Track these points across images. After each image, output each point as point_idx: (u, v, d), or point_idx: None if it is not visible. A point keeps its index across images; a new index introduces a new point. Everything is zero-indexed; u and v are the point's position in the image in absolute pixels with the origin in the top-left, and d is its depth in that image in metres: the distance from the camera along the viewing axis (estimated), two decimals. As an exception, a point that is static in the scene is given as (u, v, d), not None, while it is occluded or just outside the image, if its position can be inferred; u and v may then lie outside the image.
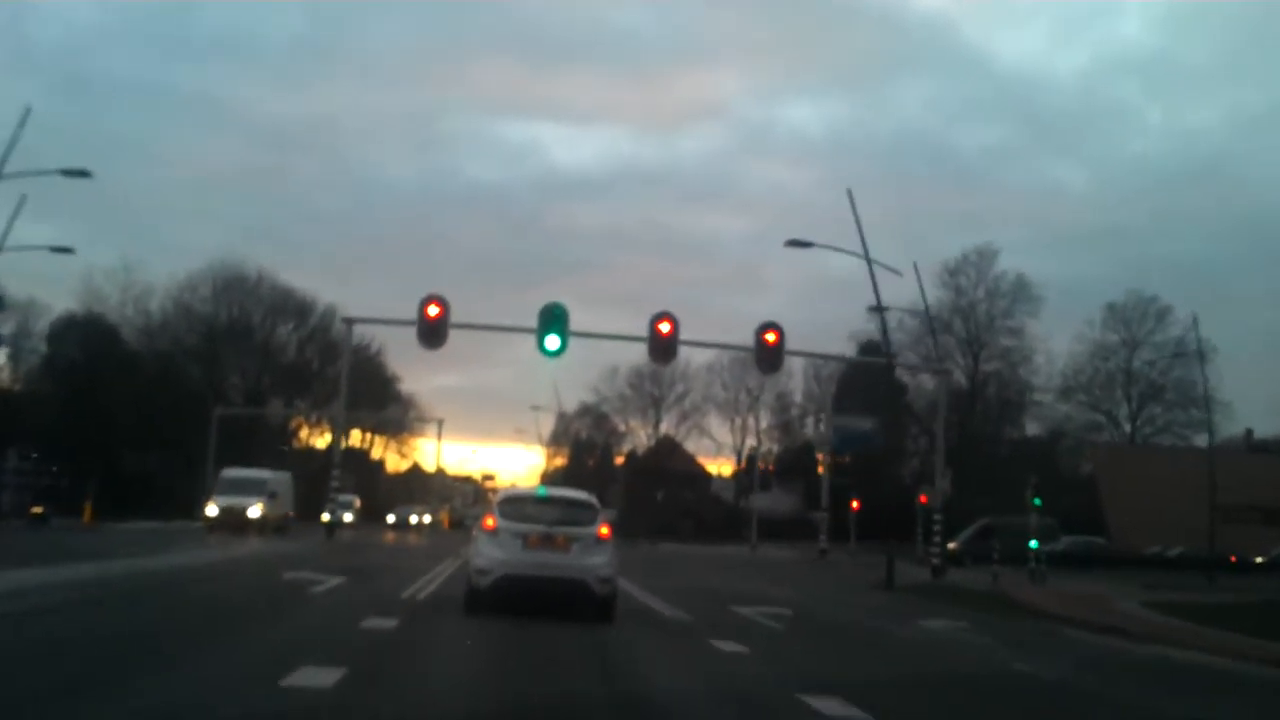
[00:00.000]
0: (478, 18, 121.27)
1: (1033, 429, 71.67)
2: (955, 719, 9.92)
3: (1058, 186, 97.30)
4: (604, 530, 14.86)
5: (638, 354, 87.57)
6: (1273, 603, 27.04)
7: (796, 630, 16.83)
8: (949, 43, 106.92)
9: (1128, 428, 70.97)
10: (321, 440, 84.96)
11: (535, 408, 79.55)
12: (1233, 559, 50.16)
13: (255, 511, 41.13)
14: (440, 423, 71.82)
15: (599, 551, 14.61)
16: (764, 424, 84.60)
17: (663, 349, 34.28)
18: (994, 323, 67.91)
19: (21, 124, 32.99)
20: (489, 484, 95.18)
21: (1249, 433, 69.10)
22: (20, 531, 37.24)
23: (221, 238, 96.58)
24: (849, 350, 79.41)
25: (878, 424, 54.88)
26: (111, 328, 68.51)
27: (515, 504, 15.63)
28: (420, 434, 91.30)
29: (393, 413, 66.01)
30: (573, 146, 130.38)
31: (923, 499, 48.25)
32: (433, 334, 33.81)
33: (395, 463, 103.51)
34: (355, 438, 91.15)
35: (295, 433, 77.39)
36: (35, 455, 60.98)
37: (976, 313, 67.74)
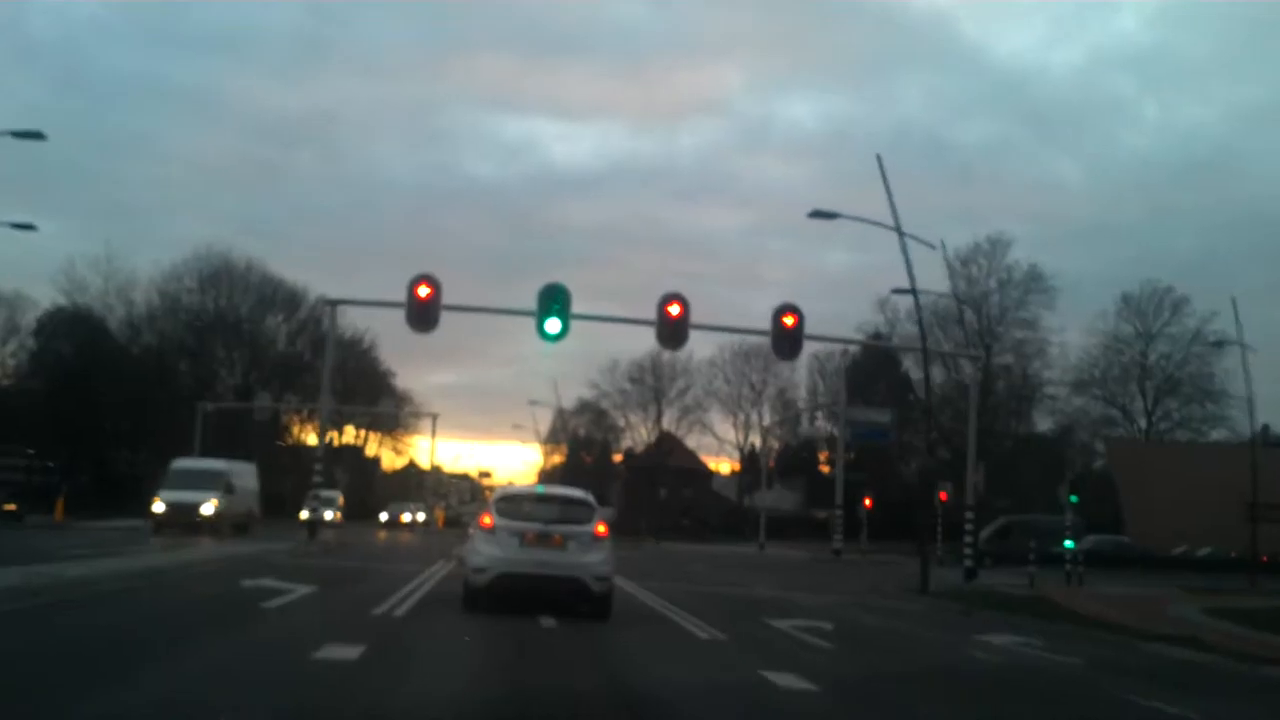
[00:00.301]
0: (476, 12, 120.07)
1: (1045, 424, 68.67)
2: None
3: (1055, 181, 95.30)
4: (601, 528, 14.66)
5: (639, 348, 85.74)
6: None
7: (850, 652, 13.82)
8: (947, 38, 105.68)
9: (1143, 423, 67.98)
10: (314, 436, 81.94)
11: (533, 402, 76.70)
12: (1264, 559, 47.32)
13: (208, 508, 34.72)
14: (435, 418, 68.91)
15: (596, 549, 14.42)
16: (767, 420, 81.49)
17: (672, 333, 31.21)
18: (1006, 315, 64.86)
19: None
20: (485, 481, 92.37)
21: (1265, 428, 66.28)
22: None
23: (219, 232, 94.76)
24: (854, 346, 76.97)
25: (893, 417, 51.93)
26: (100, 322, 65.65)
27: (512, 502, 15.39)
28: (416, 431, 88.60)
29: (385, 407, 62.50)
30: (570, 142, 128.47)
31: (942, 496, 45.25)
32: (423, 317, 30.72)
33: (391, 461, 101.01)
34: (349, 434, 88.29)
35: (286, 428, 74.17)
36: (32, 452, 58.43)
37: (988, 304, 64.72)
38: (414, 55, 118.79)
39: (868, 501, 51.97)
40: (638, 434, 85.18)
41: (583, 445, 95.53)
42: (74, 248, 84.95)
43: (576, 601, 14.38)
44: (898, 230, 27.23)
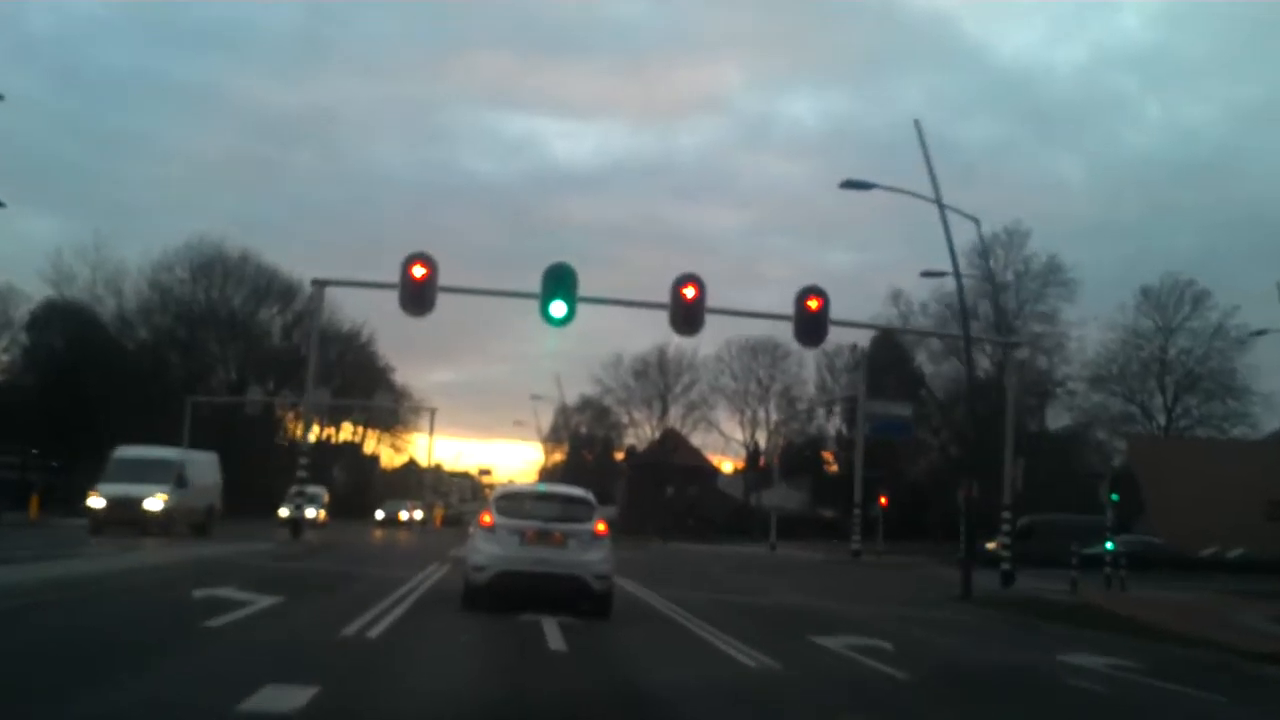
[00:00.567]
0: (476, 10, 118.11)
1: (1062, 420, 65.78)
2: None
3: (1057, 180, 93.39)
4: (601, 527, 14.48)
5: (642, 343, 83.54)
6: None
7: (931, 686, 11.09)
8: (948, 37, 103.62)
9: (1162, 419, 65.14)
10: (311, 433, 79.19)
11: (535, 397, 73.86)
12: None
13: (154, 503, 29.52)
14: (433, 412, 65.71)
15: (596, 548, 14.24)
16: (775, 417, 78.72)
17: (686, 317, 28.44)
18: (1024, 307, 61.91)
19: None
20: (485, 479, 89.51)
21: (1286, 425, 63.69)
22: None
23: (217, 228, 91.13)
24: (864, 341, 74.17)
25: (915, 410, 49.13)
26: (93, 316, 62.96)
27: (512, 500, 15.15)
28: (415, 428, 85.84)
29: (381, 400, 59.35)
30: (571, 139, 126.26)
31: (965, 493, 42.40)
32: (418, 298, 27.95)
33: (390, 459, 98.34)
34: (346, 431, 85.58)
35: (281, 424, 71.34)
36: (36, 451, 55.87)
37: (1005, 296, 61.62)
38: (414, 53, 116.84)
39: (883, 500, 49.14)
40: (642, 431, 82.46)
41: (584, 443, 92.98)
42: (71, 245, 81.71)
43: (577, 600, 14.07)
44: (937, 202, 24.54)
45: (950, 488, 67.79)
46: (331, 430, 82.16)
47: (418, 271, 27.96)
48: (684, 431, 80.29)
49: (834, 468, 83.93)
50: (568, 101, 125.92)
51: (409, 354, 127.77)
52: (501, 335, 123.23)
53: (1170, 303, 63.81)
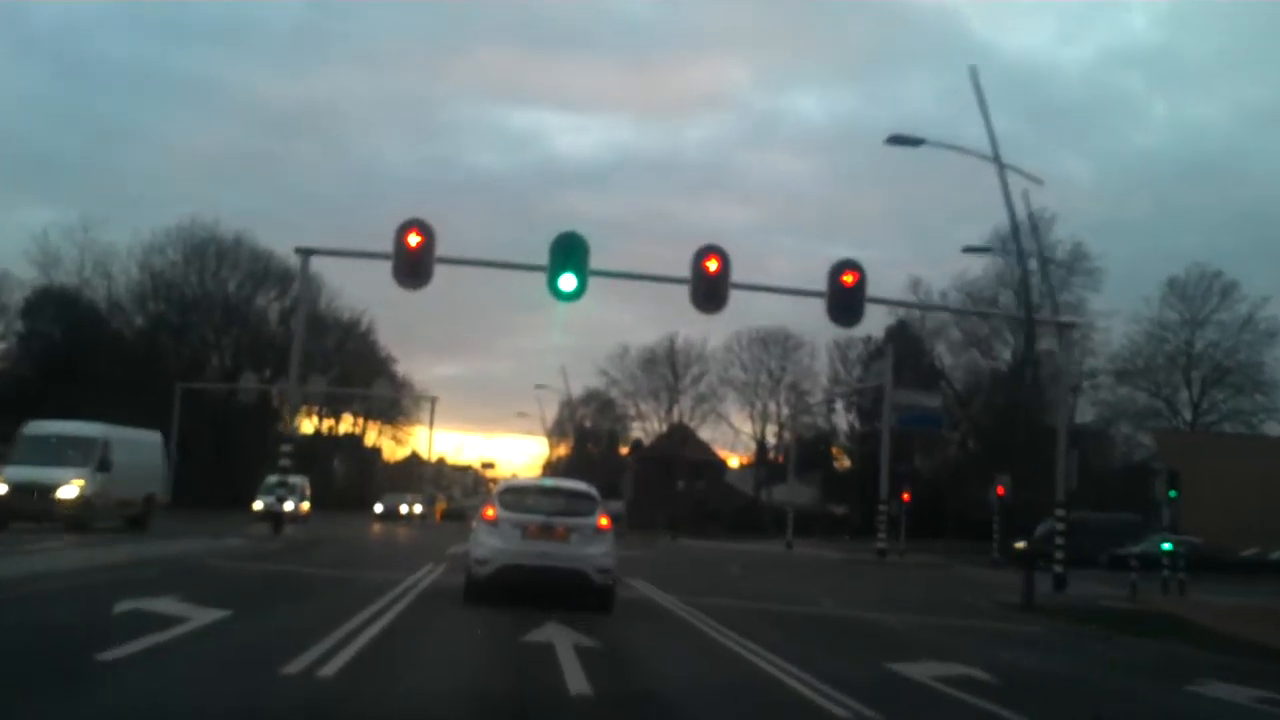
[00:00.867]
0: (480, 4, 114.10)
1: (1085, 415, 62.42)
2: None
3: (1063, 178, 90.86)
4: (603, 521, 14.25)
5: (649, 337, 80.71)
6: None
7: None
8: (955, 35, 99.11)
9: (1188, 414, 61.91)
10: (308, 423, 76.17)
11: (539, 386, 70.82)
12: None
13: (69, 490, 24.35)
14: (434, 402, 62.40)
15: (598, 542, 14.04)
16: (786, 410, 75.59)
17: (708, 292, 25.50)
18: (1046, 297, 58.55)
19: None
20: (489, 473, 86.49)
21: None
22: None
23: (209, 211, 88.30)
24: (878, 330, 71.08)
25: (943, 402, 46.06)
26: (89, 303, 60.04)
27: (515, 494, 14.95)
28: (417, 421, 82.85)
29: (380, 389, 55.93)
30: (576, 135, 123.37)
31: (999, 490, 39.49)
32: (414, 269, 25.08)
33: (392, 451, 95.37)
34: (347, 423, 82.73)
35: (278, 413, 68.23)
36: None
37: (1028, 286, 58.26)
38: (417, 47, 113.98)
39: (905, 496, 46.07)
40: (649, 424, 79.36)
41: (589, 436, 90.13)
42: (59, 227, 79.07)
43: (579, 594, 13.77)
44: (996, 160, 21.46)
45: (970, 483, 65.14)
46: (331, 422, 79.25)
47: (412, 240, 25.17)
48: (692, 425, 77.22)
49: (846, 463, 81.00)
50: (572, 97, 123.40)
51: (412, 347, 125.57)
52: (505, 331, 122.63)
53: (1198, 294, 60.62)
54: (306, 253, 25.89)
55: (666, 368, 74.91)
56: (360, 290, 75.07)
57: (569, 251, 25.22)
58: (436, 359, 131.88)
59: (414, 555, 23.71)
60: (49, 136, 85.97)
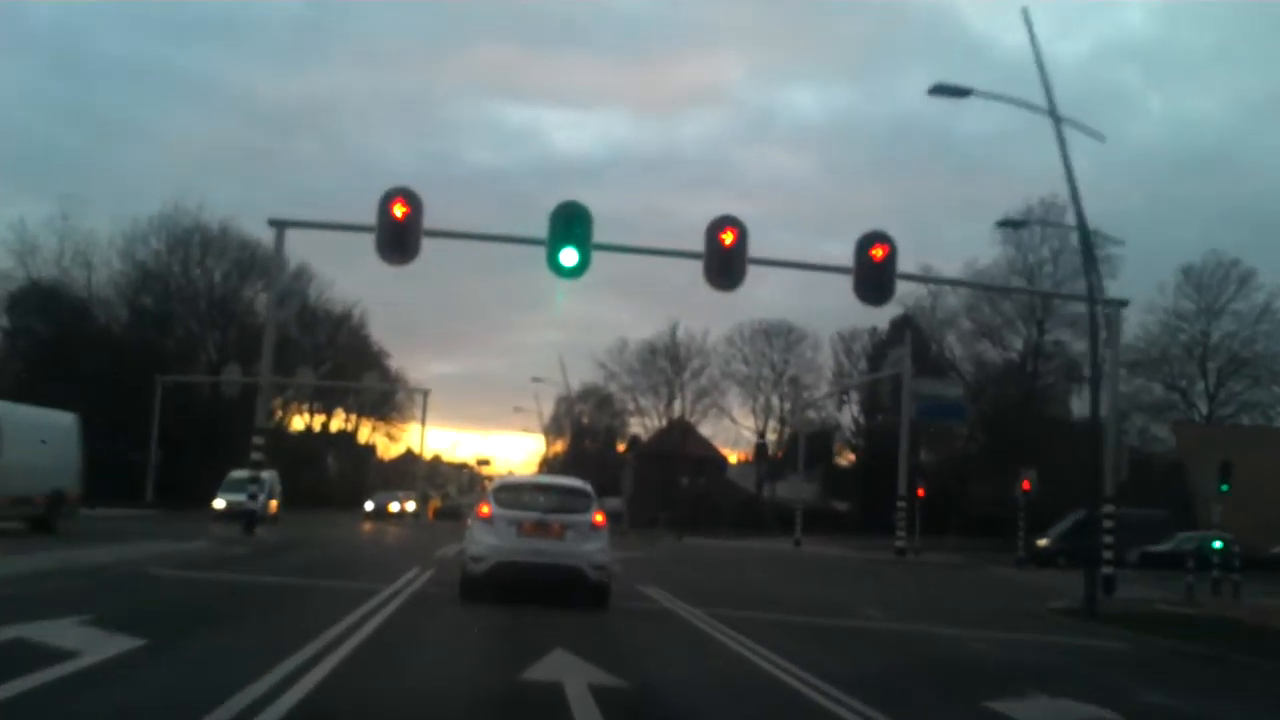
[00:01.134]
0: (478, 1, 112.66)
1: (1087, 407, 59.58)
2: None
3: (1059, 173, 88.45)
4: (599, 517, 13.92)
5: (649, 328, 78.01)
6: None
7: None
8: (951, 29, 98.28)
9: (1204, 407, 59.34)
10: (299, 420, 73.42)
11: (536, 379, 68.06)
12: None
13: None
14: (425, 395, 59.22)
15: (594, 538, 13.70)
16: (789, 404, 72.93)
17: (723, 266, 22.94)
18: (1061, 286, 55.88)
19: None
20: (484, 470, 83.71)
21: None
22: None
23: (193, 195, 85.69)
24: (881, 324, 68.46)
25: (966, 391, 43.40)
26: (78, 299, 57.16)
27: (510, 491, 14.60)
28: (412, 417, 79.89)
29: (371, 381, 52.88)
30: (573, 130, 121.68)
31: (1025, 485, 36.88)
32: (399, 242, 22.50)
33: (387, 449, 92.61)
34: (340, 419, 79.93)
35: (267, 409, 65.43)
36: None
37: (1040, 275, 55.81)
38: (415, 43, 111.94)
39: (920, 491, 43.37)
40: (649, 420, 76.59)
41: (587, 433, 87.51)
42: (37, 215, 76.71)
43: (574, 591, 13.55)
44: (1052, 114, 18.82)
45: (978, 478, 62.56)
46: (323, 418, 76.46)
47: (398, 210, 22.52)
48: (693, 420, 74.45)
49: (850, 457, 78.37)
50: (570, 93, 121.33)
51: (407, 345, 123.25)
52: (502, 328, 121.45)
53: (1214, 283, 58.01)
54: (281, 224, 23.19)
55: (666, 360, 72.18)
56: (356, 290, 73.14)
57: (570, 223, 22.62)
58: (432, 357, 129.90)
59: (398, 558, 21.01)
60: (46, 132, 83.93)
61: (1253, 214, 78.86)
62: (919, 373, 49.68)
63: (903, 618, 16.29)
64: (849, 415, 73.94)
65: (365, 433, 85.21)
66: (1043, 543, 39.26)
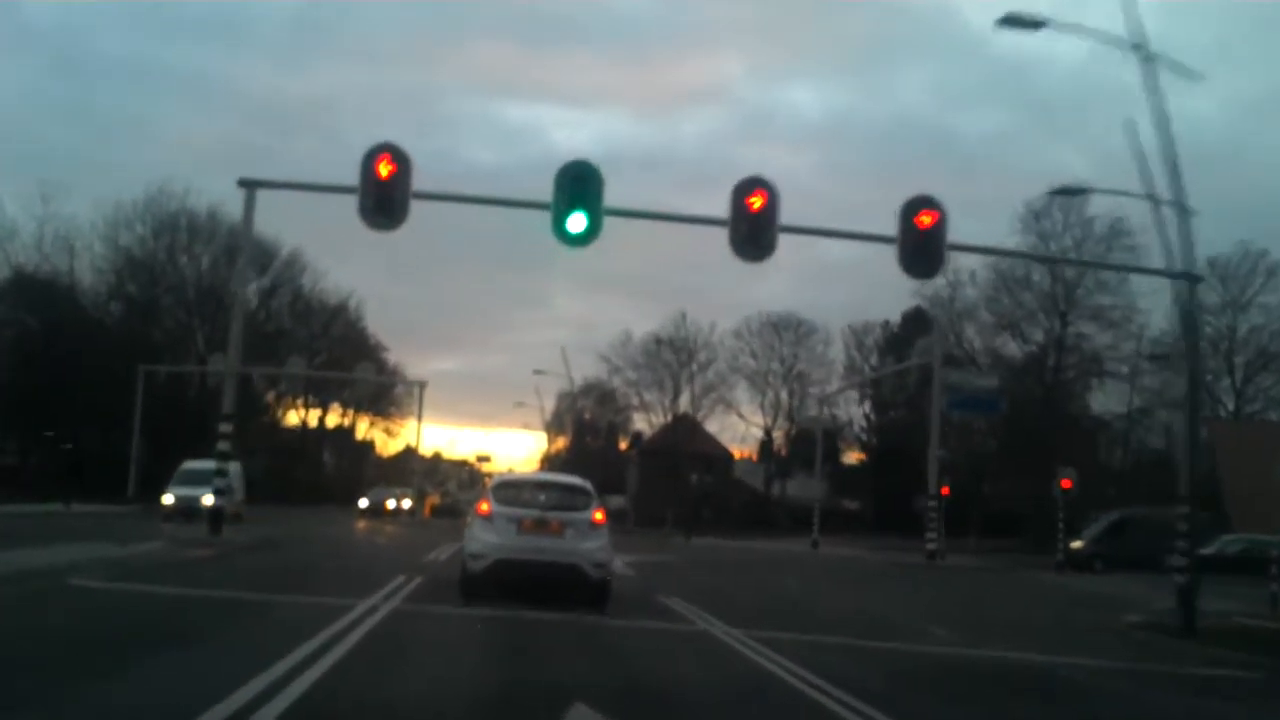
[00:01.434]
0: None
1: (1121, 404, 56.78)
2: None
3: (1058, 171, 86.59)
4: (598, 515, 13.54)
5: (654, 320, 75.14)
6: None
7: None
8: (950, 27, 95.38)
9: (1230, 403, 56.35)
10: (293, 415, 70.54)
11: (538, 372, 65.11)
12: None
13: None
14: (422, 387, 56.00)
15: (593, 536, 13.27)
16: (799, 400, 70.10)
17: (750, 233, 20.03)
18: (1084, 276, 52.89)
19: None
20: (485, 466, 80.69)
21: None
22: None
23: (179, 180, 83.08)
24: (894, 315, 65.60)
25: (1002, 382, 40.28)
26: (67, 290, 54.30)
27: (510, 489, 14.24)
28: (409, 412, 76.96)
29: (364, 372, 49.77)
30: (571, 129, 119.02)
31: (1065, 483, 33.97)
32: (385, 204, 19.68)
33: (385, 445, 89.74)
34: (336, 415, 77.08)
35: (260, 403, 62.49)
36: (50, 434, 47.43)
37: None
38: (414, 41, 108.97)
39: (944, 490, 40.30)
40: (654, 415, 73.56)
41: (589, 429, 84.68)
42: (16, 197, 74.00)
43: (574, 589, 12.93)
44: (1138, 48, 15.93)
45: (996, 476, 59.61)
46: (319, 412, 73.60)
47: (383, 169, 19.68)
48: (699, 416, 71.43)
49: (857, 456, 75.47)
50: (568, 91, 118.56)
51: (406, 342, 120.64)
52: (502, 326, 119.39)
53: (1240, 275, 54.92)
54: (251, 185, 20.28)
55: (672, 353, 69.15)
56: (355, 287, 70.46)
57: (579, 184, 19.73)
58: (432, 354, 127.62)
59: (383, 564, 18.11)
60: (45, 131, 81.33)
61: (1249, 212, 76.59)
62: (925, 371, 46.86)
63: (977, 639, 13.39)
64: (859, 412, 70.81)
65: (363, 428, 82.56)
66: (1077, 545, 36.35)
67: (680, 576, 21.01)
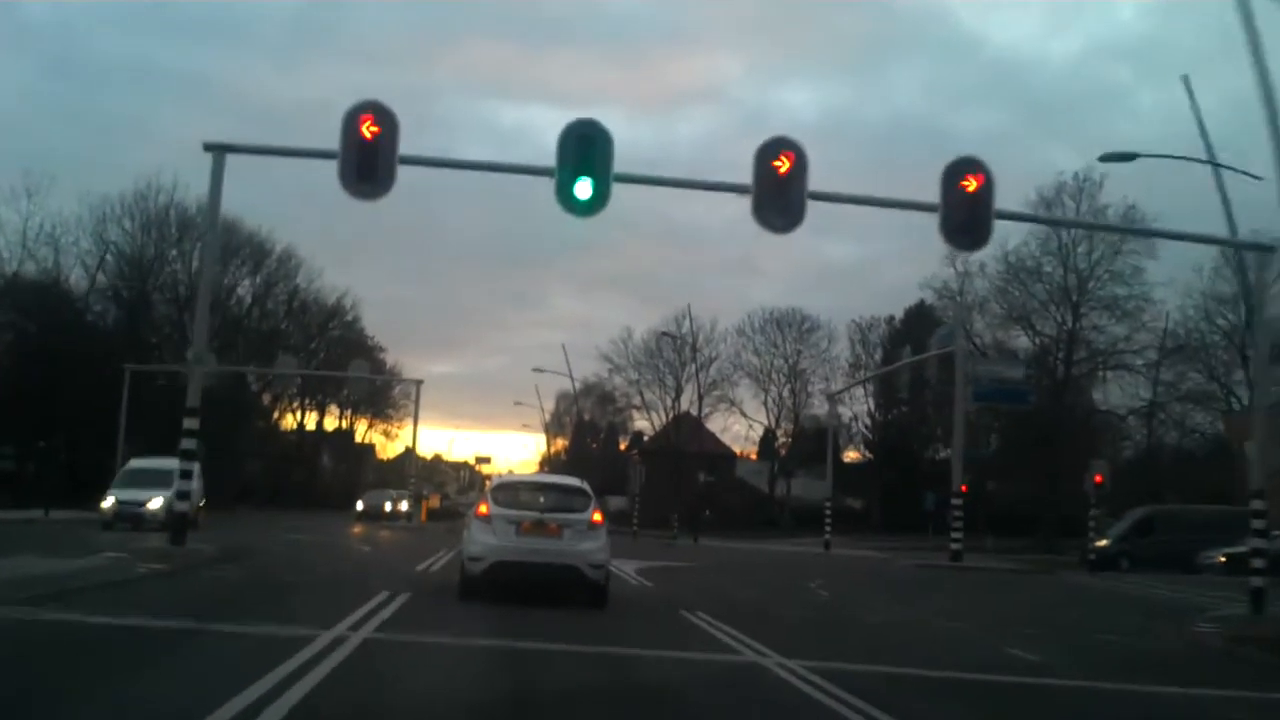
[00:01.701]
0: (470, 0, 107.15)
1: (1134, 398, 54.12)
2: None
3: (1053, 171, 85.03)
4: (597, 516, 13.28)
5: (657, 318, 72.56)
6: None
7: None
8: (944, 27, 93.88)
9: (1245, 396, 53.64)
10: (290, 419, 67.86)
11: (537, 369, 62.50)
12: None
13: None
14: (418, 384, 53.09)
15: (592, 537, 13.03)
16: (811, 393, 67.50)
17: (778, 198, 17.62)
18: (1097, 266, 50.32)
19: None
20: (484, 468, 78.00)
21: None
22: None
23: (168, 171, 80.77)
24: (908, 303, 62.91)
25: (1030, 371, 37.57)
26: (67, 292, 51.67)
27: (508, 491, 13.95)
28: (408, 413, 74.30)
29: (357, 370, 46.96)
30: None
31: (1098, 478, 31.35)
32: (368, 168, 17.21)
33: (385, 448, 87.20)
34: (333, 417, 74.48)
35: (256, 404, 59.81)
36: (43, 444, 44.88)
37: (1075, 254, 50.21)
38: (410, 42, 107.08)
39: (963, 486, 37.65)
40: (655, 414, 70.91)
41: (589, 430, 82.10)
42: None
43: (573, 590, 12.68)
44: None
45: (1003, 473, 57.02)
46: (315, 415, 70.94)
47: (367, 130, 17.20)
48: (704, 413, 68.70)
49: (854, 455, 72.79)
50: (565, 92, 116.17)
51: (405, 345, 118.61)
52: (499, 328, 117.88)
53: (1254, 265, 52.29)
54: (220, 149, 17.67)
55: (674, 351, 66.52)
56: (355, 290, 68.17)
57: (585, 146, 17.23)
58: (431, 357, 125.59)
59: (366, 576, 15.45)
60: (41, 132, 78.91)
61: (1249, 211, 74.33)
62: (944, 361, 44.11)
63: (1080, 665, 10.78)
64: (863, 409, 68.21)
65: (362, 431, 79.98)
66: (1103, 543, 33.77)
67: (700, 586, 18.43)
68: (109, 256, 49.47)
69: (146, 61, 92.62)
